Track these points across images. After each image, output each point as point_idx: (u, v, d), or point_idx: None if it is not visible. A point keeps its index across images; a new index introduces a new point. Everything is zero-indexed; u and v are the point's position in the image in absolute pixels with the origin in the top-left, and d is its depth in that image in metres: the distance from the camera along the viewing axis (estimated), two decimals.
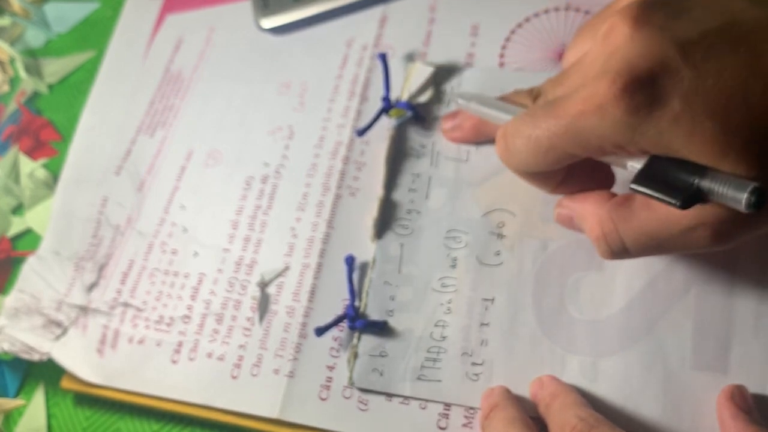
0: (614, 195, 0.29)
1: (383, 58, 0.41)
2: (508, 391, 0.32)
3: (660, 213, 0.27)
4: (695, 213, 0.25)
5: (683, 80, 0.24)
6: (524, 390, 0.32)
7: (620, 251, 0.28)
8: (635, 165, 0.26)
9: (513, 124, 0.29)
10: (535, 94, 0.32)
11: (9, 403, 0.41)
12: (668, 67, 0.24)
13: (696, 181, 0.24)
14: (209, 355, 0.38)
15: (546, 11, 0.41)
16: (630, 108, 0.24)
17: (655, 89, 0.24)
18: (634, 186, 0.25)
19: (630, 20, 0.25)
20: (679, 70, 0.24)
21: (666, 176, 0.25)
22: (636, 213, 0.27)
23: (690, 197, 0.24)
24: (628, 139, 0.25)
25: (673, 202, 0.24)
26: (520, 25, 0.41)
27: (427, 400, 0.33)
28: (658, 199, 0.25)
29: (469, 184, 0.37)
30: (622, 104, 0.24)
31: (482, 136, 0.37)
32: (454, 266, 0.36)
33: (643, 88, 0.24)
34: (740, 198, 0.23)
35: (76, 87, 0.51)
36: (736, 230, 0.26)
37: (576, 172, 0.30)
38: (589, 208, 0.30)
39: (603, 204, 0.29)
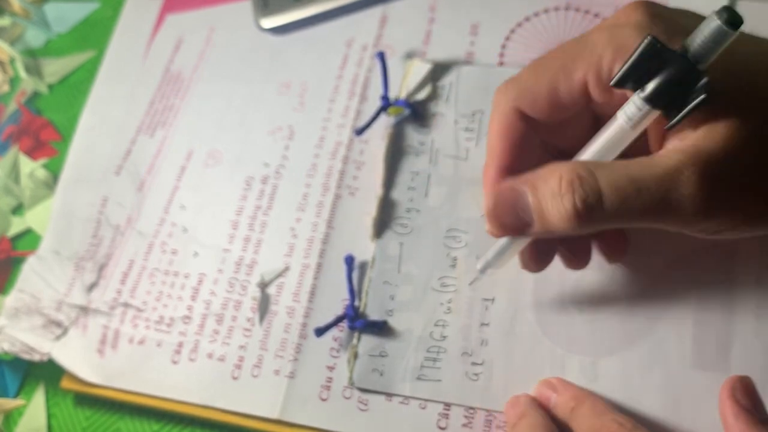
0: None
1: (381, 57, 0.40)
2: (534, 400, 0.31)
3: (641, 158, 0.26)
4: (679, 150, 0.25)
5: None
6: (524, 390, 0.32)
7: (595, 202, 0.25)
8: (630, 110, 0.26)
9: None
10: None
11: (9, 403, 0.41)
12: None
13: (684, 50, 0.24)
14: (210, 356, 0.38)
15: (546, 11, 0.41)
16: None
17: None
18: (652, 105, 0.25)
19: None
20: None
21: (662, 87, 0.25)
22: (611, 162, 0.26)
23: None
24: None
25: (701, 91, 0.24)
26: (519, 25, 0.41)
27: (427, 400, 0.33)
28: (690, 111, 0.24)
29: (469, 182, 0.37)
30: None
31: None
32: (453, 266, 0.36)
33: None
34: (717, 25, 0.23)
35: (76, 87, 0.51)
36: (721, 170, 0.25)
37: (556, 248, 0.31)
38: (543, 171, 0.27)
39: (564, 164, 0.27)
